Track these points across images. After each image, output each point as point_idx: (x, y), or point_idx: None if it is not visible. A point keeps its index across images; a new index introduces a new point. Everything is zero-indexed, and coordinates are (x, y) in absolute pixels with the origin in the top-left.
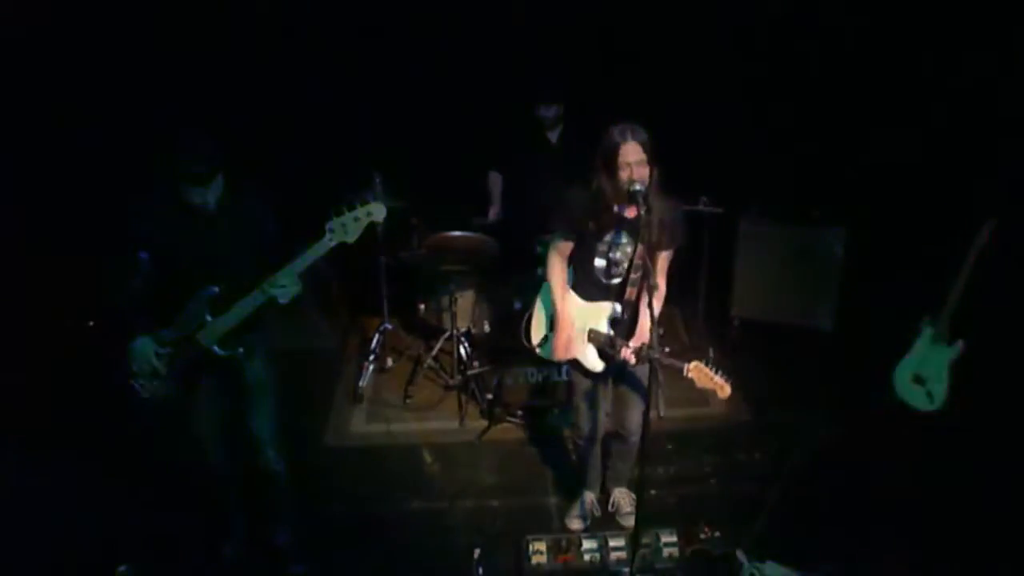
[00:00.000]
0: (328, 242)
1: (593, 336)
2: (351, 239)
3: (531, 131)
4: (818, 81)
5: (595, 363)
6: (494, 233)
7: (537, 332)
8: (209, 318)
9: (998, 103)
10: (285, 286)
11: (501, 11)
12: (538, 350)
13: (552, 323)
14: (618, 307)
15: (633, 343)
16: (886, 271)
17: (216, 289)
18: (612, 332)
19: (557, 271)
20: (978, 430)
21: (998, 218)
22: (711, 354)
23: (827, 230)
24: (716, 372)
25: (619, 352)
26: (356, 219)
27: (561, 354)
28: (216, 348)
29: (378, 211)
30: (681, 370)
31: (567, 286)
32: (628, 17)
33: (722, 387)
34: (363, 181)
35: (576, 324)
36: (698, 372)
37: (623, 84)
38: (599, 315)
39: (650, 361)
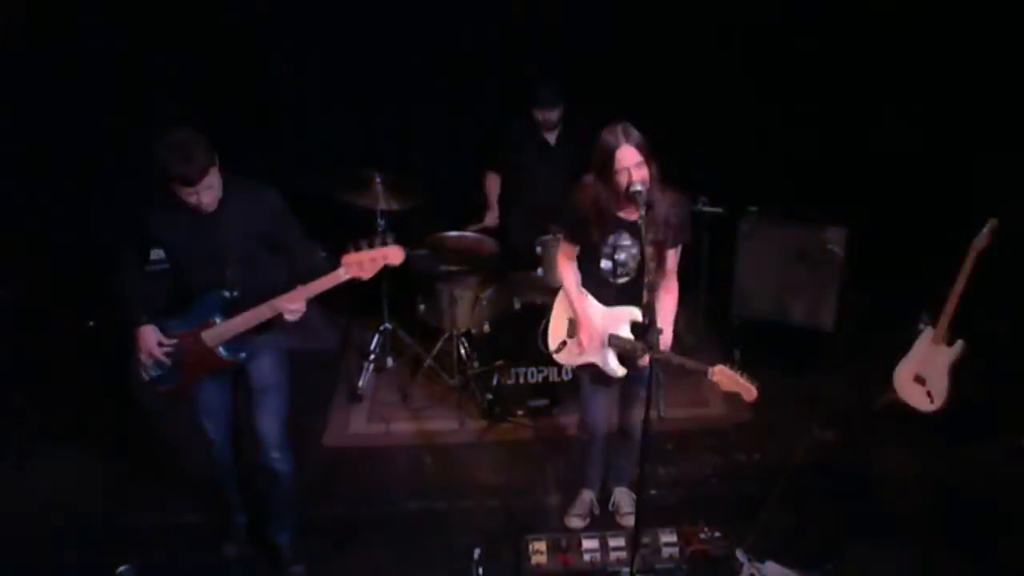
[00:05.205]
0: (343, 275)
1: (615, 342)
2: (366, 277)
3: (530, 133)
4: (818, 80)
5: (616, 368)
6: (494, 233)
7: (555, 337)
8: (218, 319)
9: (999, 102)
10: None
11: (501, 11)
12: (556, 356)
13: (571, 328)
14: (638, 312)
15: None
16: (886, 271)
17: (231, 294)
18: (633, 337)
19: (568, 275)
20: (978, 430)
21: (998, 218)
22: (736, 356)
23: (827, 230)
24: (741, 375)
25: (640, 357)
26: (373, 260)
27: (581, 358)
28: (220, 350)
29: (395, 256)
30: (705, 373)
31: (582, 289)
32: (628, 17)
33: (748, 390)
34: (363, 181)
35: (597, 328)
36: (723, 375)
37: (622, 84)
38: (619, 320)
39: (651, 361)
